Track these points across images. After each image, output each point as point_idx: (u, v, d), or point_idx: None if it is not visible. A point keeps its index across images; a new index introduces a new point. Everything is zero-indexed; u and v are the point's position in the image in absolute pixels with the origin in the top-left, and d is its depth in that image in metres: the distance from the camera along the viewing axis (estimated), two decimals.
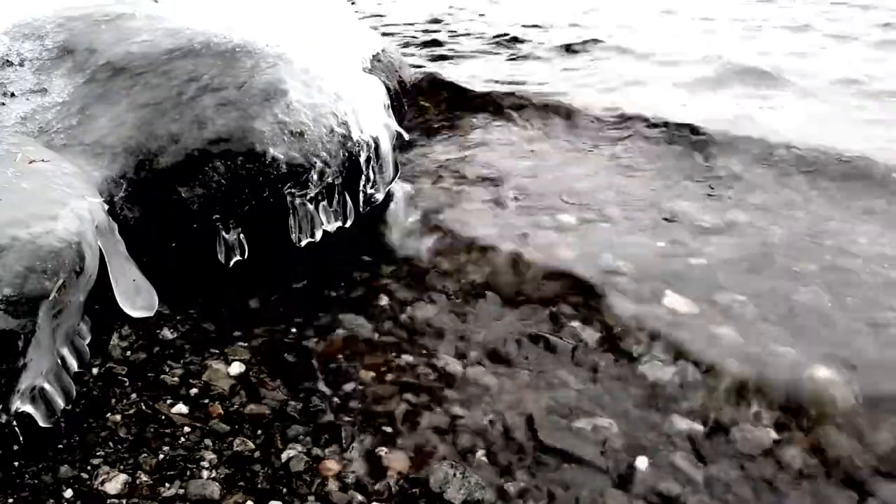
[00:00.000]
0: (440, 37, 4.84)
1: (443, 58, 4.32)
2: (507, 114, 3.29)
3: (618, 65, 4.10)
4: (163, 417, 1.60)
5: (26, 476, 1.42)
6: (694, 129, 2.98)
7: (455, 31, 4.99)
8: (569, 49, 4.44)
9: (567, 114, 3.23)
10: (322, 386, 1.73)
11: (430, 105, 3.38)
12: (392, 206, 2.48)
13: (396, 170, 2.49)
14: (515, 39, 4.69)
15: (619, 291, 2.01)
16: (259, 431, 1.59)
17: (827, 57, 4.26)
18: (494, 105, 3.35)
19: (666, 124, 3.04)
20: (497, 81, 3.67)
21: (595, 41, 4.53)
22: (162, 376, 1.72)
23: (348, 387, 1.73)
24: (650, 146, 2.95)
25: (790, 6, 5.59)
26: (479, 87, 3.54)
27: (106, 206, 1.80)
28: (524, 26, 5.06)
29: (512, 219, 2.45)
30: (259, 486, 1.46)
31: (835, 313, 1.90)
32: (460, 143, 3.03)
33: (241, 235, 2.04)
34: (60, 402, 1.52)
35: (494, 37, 4.78)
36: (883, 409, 1.60)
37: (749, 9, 5.59)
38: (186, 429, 1.58)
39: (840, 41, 4.60)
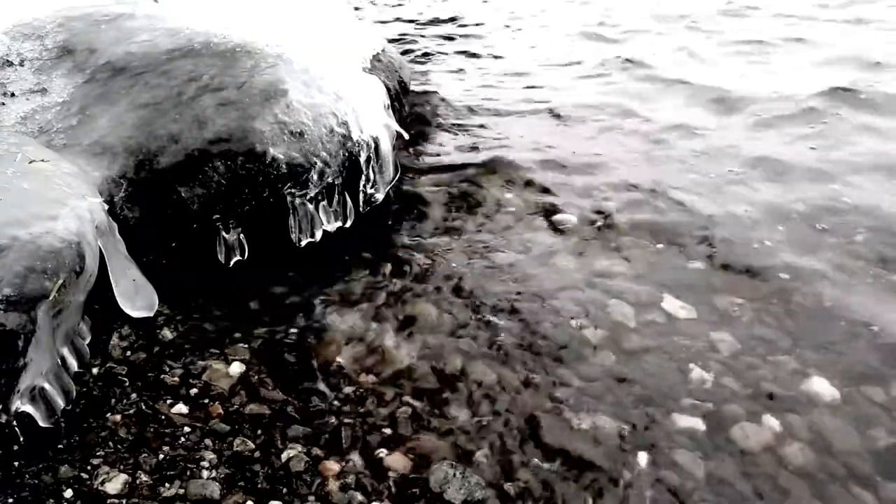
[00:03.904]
0: None
1: None
2: None
3: None
4: (163, 417, 1.60)
5: (26, 476, 1.42)
6: None
7: None
8: None
9: None
10: (322, 386, 1.73)
11: None
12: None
13: (397, 170, 2.49)
14: None
15: None
16: (259, 431, 1.59)
17: None
18: None
19: None
20: None
21: None
22: (162, 376, 1.72)
23: (348, 387, 1.73)
24: None
25: None
26: None
27: (106, 206, 1.80)
28: None
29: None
30: (259, 486, 1.46)
31: None
32: None
33: (241, 235, 2.04)
34: (60, 402, 1.52)
35: None
36: None
37: None
38: (186, 429, 1.58)
39: None
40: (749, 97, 3.41)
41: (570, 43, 4.62)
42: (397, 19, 5.29)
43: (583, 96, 3.56)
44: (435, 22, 5.18)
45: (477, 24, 5.11)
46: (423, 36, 4.77)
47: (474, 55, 4.37)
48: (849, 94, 3.33)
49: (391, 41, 3.97)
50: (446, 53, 4.39)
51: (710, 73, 3.83)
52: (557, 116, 3.33)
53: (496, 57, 4.32)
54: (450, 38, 4.73)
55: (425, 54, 4.38)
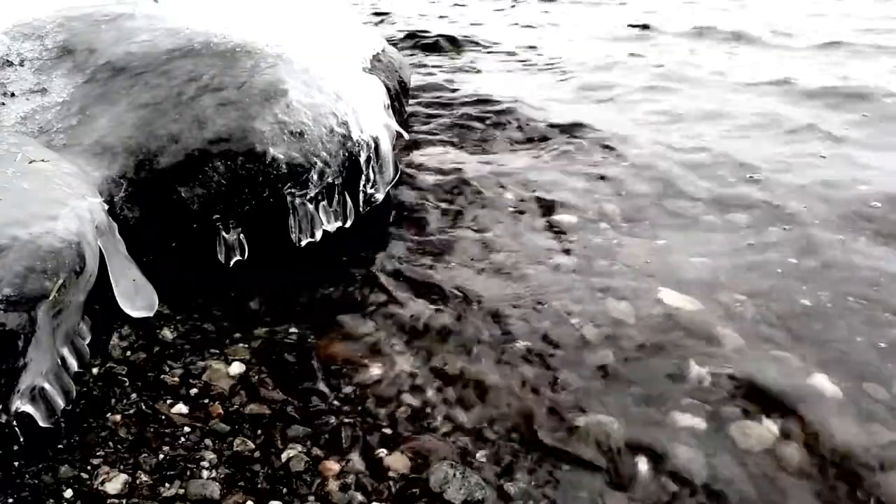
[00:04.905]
0: None
1: None
2: None
3: None
4: (163, 417, 1.60)
5: (26, 476, 1.42)
6: None
7: None
8: None
9: None
10: (322, 386, 1.73)
11: None
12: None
13: (396, 170, 2.49)
14: None
15: None
16: (259, 431, 1.59)
17: None
18: None
19: None
20: None
21: None
22: (162, 376, 1.72)
23: (348, 387, 1.73)
24: None
25: None
26: None
27: (106, 206, 1.80)
28: None
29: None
30: (259, 486, 1.46)
31: None
32: None
33: (241, 235, 2.04)
34: (60, 402, 1.52)
35: None
36: None
37: None
38: (186, 429, 1.58)
39: None
40: None
41: None
42: None
43: None
44: None
45: None
46: None
47: None
48: None
49: None
50: None
51: None
52: None
53: None
54: None
55: None
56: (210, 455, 1.51)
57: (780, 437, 1.57)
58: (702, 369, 1.73)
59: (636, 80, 4.30)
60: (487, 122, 3.51)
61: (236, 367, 1.77)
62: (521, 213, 2.57)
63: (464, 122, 3.50)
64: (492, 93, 3.92)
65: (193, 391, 1.69)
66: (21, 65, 2.28)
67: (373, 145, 2.30)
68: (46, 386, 1.47)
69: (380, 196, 2.39)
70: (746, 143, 3.22)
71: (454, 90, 4.07)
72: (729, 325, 1.90)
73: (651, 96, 3.98)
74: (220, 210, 1.99)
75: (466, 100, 3.84)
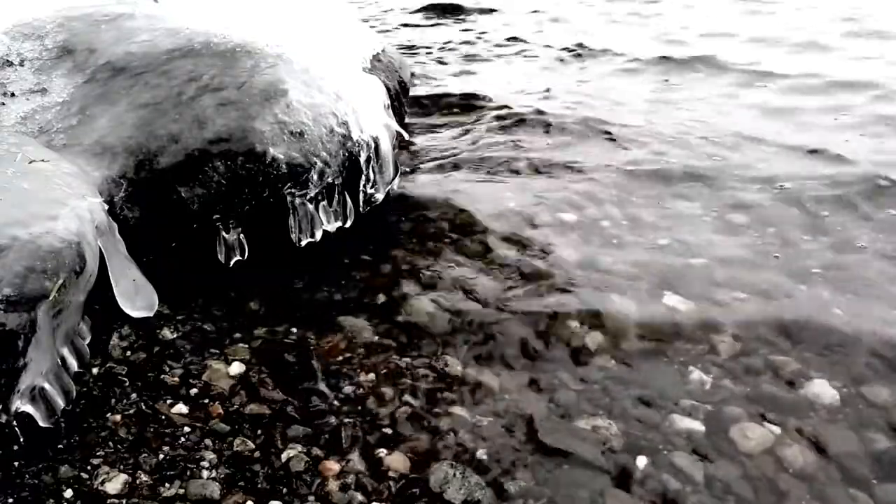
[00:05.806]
0: None
1: None
2: None
3: None
4: (163, 417, 1.60)
5: (26, 476, 1.42)
6: None
7: None
8: None
9: None
10: (322, 386, 1.73)
11: None
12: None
13: (397, 170, 2.49)
14: None
15: None
16: (259, 431, 1.59)
17: None
18: None
19: None
20: None
21: None
22: (162, 376, 1.72)
23: (348, 387, 1.73)
24: None
25: None
26: None
27: (106, 206, 1.80)
28: None
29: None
30: (259, 486, 1.46)
31: None
32: None
33: (241, 235, 2.04)
34: (60, 402, 1.52)
35: None
36: None
37: None
38: (186, 429, 1.58)
39: None
40: None
41: None
42: None
43: None
44: None
45: None
46: None
47: None
48: None
49: None
50: None
51: None
52: None
53: None
54: None
55: None
56: (210, 455, 1.51)
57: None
58: None
59: None
60: None
61: (236, 367, 1.77)
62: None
63: None
64: None
65: (193, 391, 1.69)
66: (21, 65, 2.28)
67: (373, 145, 2.30)
68: (46, 386, 1.47)
69: (380, 196, 2.39)
70: None
71: None
72: None
73: None
74: (220, 210, 1.99)
75: None
